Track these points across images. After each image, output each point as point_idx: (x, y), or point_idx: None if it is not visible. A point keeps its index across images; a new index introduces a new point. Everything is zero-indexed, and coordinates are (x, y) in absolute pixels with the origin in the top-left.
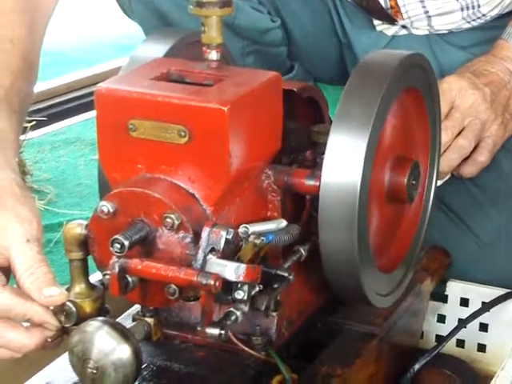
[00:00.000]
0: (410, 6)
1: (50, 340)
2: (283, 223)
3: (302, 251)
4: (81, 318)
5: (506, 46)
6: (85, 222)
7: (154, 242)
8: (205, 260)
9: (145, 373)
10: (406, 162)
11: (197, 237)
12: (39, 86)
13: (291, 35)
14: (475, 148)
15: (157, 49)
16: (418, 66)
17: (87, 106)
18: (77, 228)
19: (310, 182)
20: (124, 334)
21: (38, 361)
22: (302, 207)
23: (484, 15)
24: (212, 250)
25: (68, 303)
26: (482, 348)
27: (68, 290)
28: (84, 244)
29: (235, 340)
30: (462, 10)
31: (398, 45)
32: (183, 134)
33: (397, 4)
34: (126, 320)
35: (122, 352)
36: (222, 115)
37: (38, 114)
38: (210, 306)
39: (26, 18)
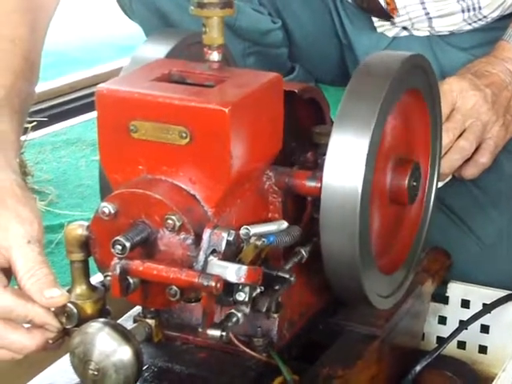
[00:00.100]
0: (411, 8)
1: (51, 341)
2: (284, 225)
3: (303, 253)
4: (82, 320)
5: (507, 48)
6: (86, 223)
7: (155, 243)
8: (206, 261)
9: (146, 374)
10: (406, 164)
11: (198, 238)
12: (40, 87)
13: (292, 36)
14: (476, 149)
15: (158, 50)
16: (419, 68)
17: (88, 107)
18: (78, 229)
19: (311, 184)
20: (125, 335)
21: (39, 362)
22: (303, 209)
23: (485, 17)
24: (213, 251)
25: (69, 304)
26: (483, 350)
27: (69, 291)
28: (85, 245)
29: (236, 341)
30: (462, 11)
31: (399, 46)
32: (184, 135)
33: (393, 0)
34: (127, 321)
35: (123, 353)
36: (223, 116)
37: (39, 114)
38: (211, 308)
39: (28, 17)
